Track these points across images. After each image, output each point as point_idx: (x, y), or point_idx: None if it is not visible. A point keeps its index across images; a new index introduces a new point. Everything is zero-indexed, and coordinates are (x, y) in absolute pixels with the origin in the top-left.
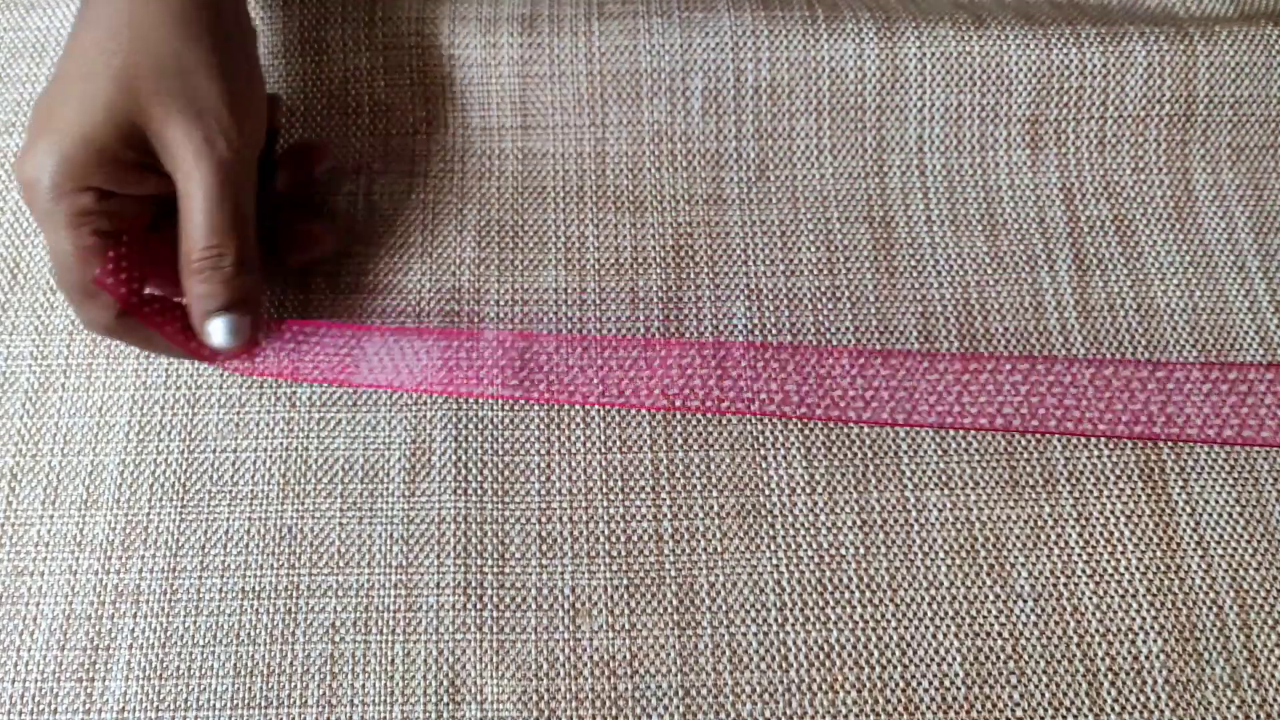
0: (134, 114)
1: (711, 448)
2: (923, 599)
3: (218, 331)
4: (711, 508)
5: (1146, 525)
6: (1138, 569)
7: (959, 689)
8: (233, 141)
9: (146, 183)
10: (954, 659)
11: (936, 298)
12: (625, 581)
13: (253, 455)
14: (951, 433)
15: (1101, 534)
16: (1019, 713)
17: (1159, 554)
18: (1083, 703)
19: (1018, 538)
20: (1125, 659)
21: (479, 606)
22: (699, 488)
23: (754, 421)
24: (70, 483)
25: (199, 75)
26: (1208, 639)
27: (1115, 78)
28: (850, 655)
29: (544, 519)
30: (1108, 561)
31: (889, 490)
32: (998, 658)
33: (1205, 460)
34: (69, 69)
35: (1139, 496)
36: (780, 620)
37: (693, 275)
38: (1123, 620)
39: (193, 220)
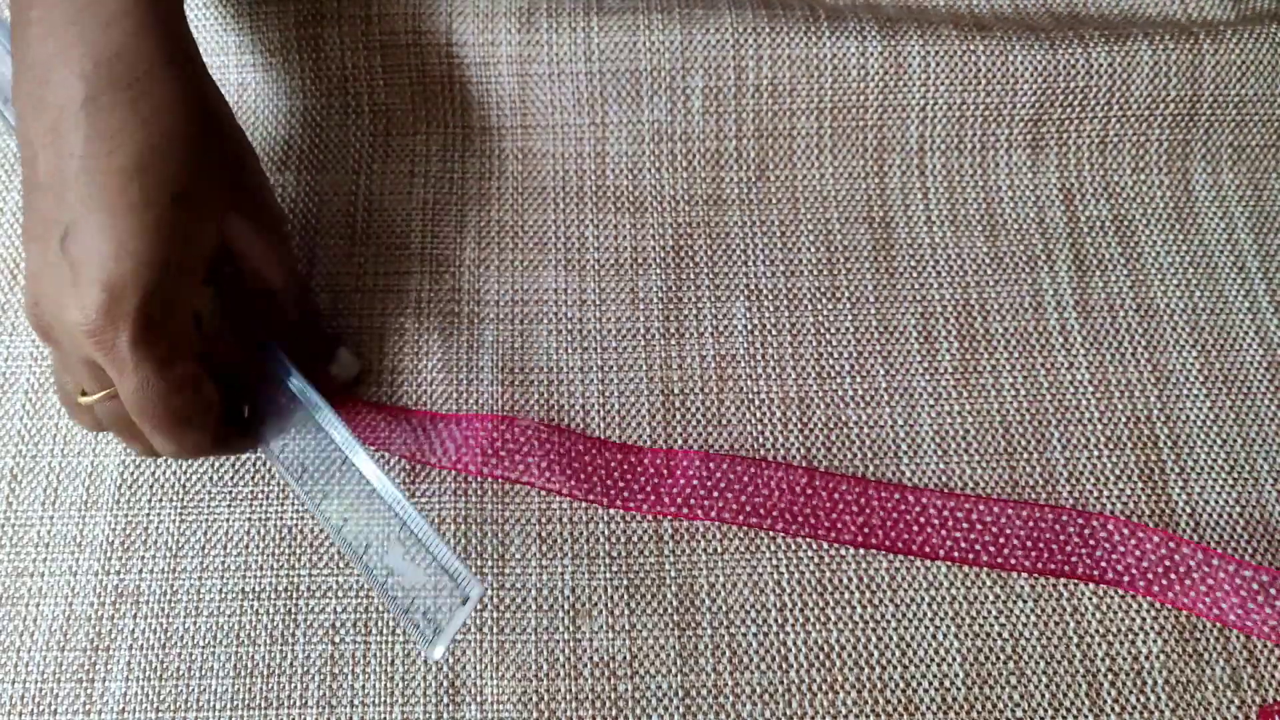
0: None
1: (711, 448)
2: (923, 599)
3: (342, 360)
4: None
5: (1146, 525)
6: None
7: (959, 689)
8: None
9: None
10: (954, 659)
11: (936, 298)
12: (625, 582)
13: (253, 456)
14: (951, 433)
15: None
16: (1019, 713)
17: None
18: (1083, 703)
19: None
20: (1125, 659)
21: (479, 607)
22: None
23: (754, 423)
24: (70, 483)
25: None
26: (1208, 639)
27: (1121, 77)
28: (850, 655)
29: (544, 519)
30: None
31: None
32: (998, 658)
33: (1205, 460)
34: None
35: (1139, 496)
36: (780, 620)
37: (693, 275)
38: (1123, 620)
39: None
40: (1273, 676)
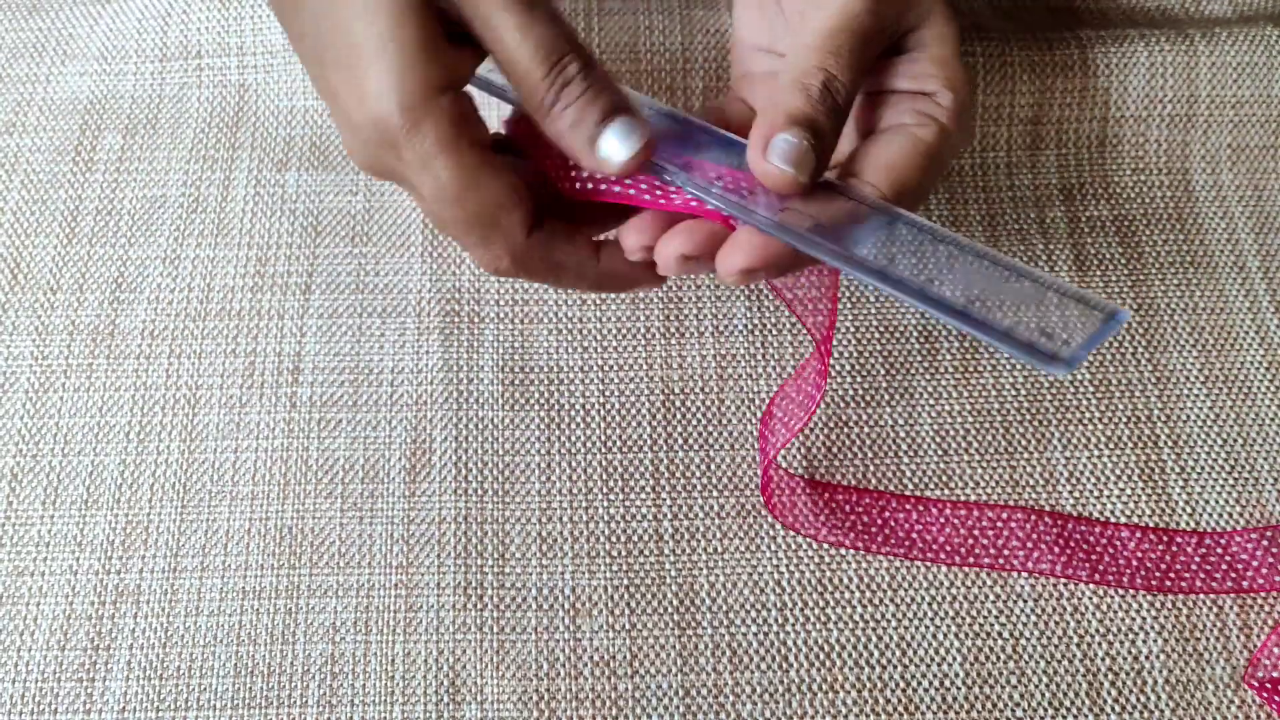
0: None
1: (711, 448)
2: (923, 599)
3: (612, 144)
4: (711, 508)
5: (1146, 525)
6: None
7: (959, 689)
8: None
9: (464, 54)
10: (954, 659)
11: None
12: (625, 581)
13: (253, 455)
14: (951, 433)
15: None
16: (1019, 713)
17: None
18: (1083, 703)
19: None
20: (1125, 659)
21: (479, 606)
22: (699, 488)
23: (754, 421)
24: (70, 483)
25: None
26: (1208, 639)
27: (1118, 78)
28: (850, 655)
29: (544, 519)
30: None
31: (889, 490)
32: (998, 658)
33: (1205, 460)
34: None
35: (1139, 496)
36: (780, 620)
37: (693, 275)
38: (1123, 620)
39: (515, 54)
40: (1270, 676)
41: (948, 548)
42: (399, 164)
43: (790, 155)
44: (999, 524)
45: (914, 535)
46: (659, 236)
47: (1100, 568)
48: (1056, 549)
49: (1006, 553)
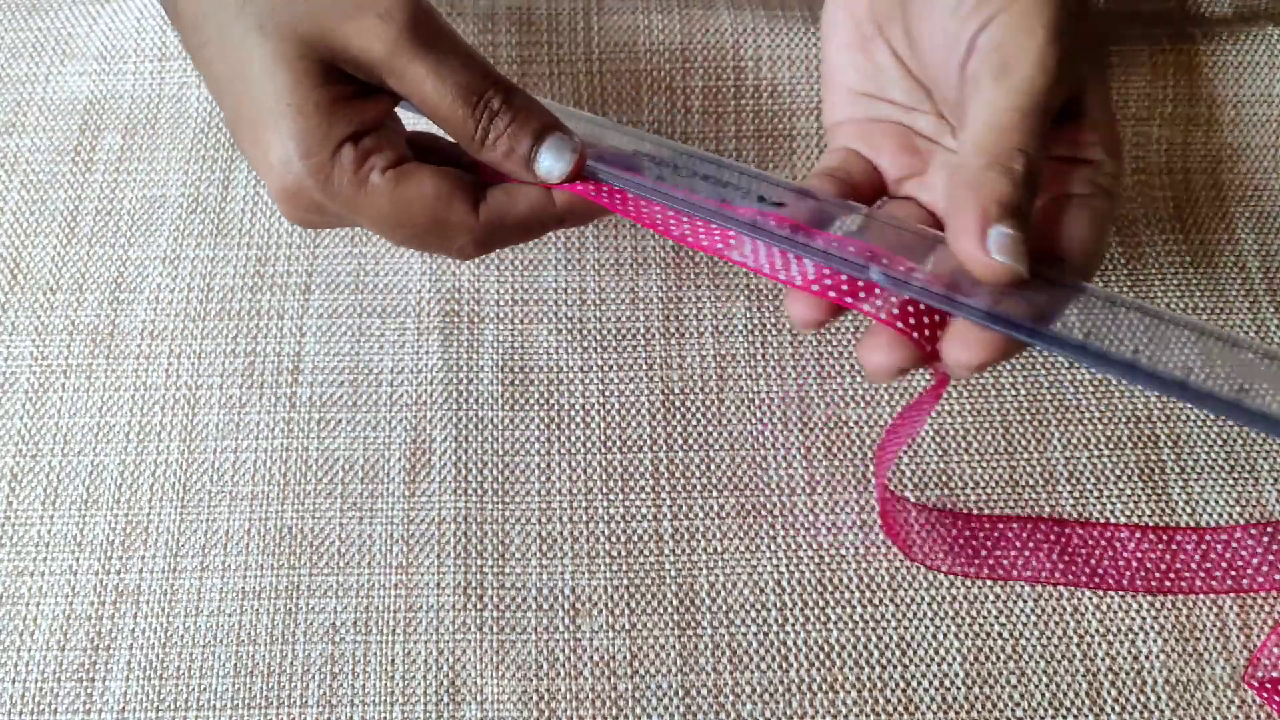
0: (310, 48)
1: (711, 448)
2: (923, 599)
3: (548, 163)
4: (711, 508)
5: (1146, 525)
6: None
7: (959, 689)
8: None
9: (374, 103)
10: (954, 659)
11: None
12: (625, 581)
13: (253, 455)
14: (951, 433)
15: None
16: (1019, 713)
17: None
18: (1083, 703)
19: None
20: (1125, 659)
21: (479, 606)
22: (699, 488)
23: (754, 421)
24: (70, 483)
25: None
26: (1208, 639)
27: (1118, 76)
28: (850, 655)
29: (544, 519)
30: None
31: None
32: (998, 658)
33: (1205, 460)
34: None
35: (1139, 496)
36: (780, 620)
37: (693, 275)
38: (1123, 620)
39: (436, 101)
40: (1252, 674)
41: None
42: (329, 217)
43: (1010, 248)
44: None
45: (1013, 558)
46: (827, 314)
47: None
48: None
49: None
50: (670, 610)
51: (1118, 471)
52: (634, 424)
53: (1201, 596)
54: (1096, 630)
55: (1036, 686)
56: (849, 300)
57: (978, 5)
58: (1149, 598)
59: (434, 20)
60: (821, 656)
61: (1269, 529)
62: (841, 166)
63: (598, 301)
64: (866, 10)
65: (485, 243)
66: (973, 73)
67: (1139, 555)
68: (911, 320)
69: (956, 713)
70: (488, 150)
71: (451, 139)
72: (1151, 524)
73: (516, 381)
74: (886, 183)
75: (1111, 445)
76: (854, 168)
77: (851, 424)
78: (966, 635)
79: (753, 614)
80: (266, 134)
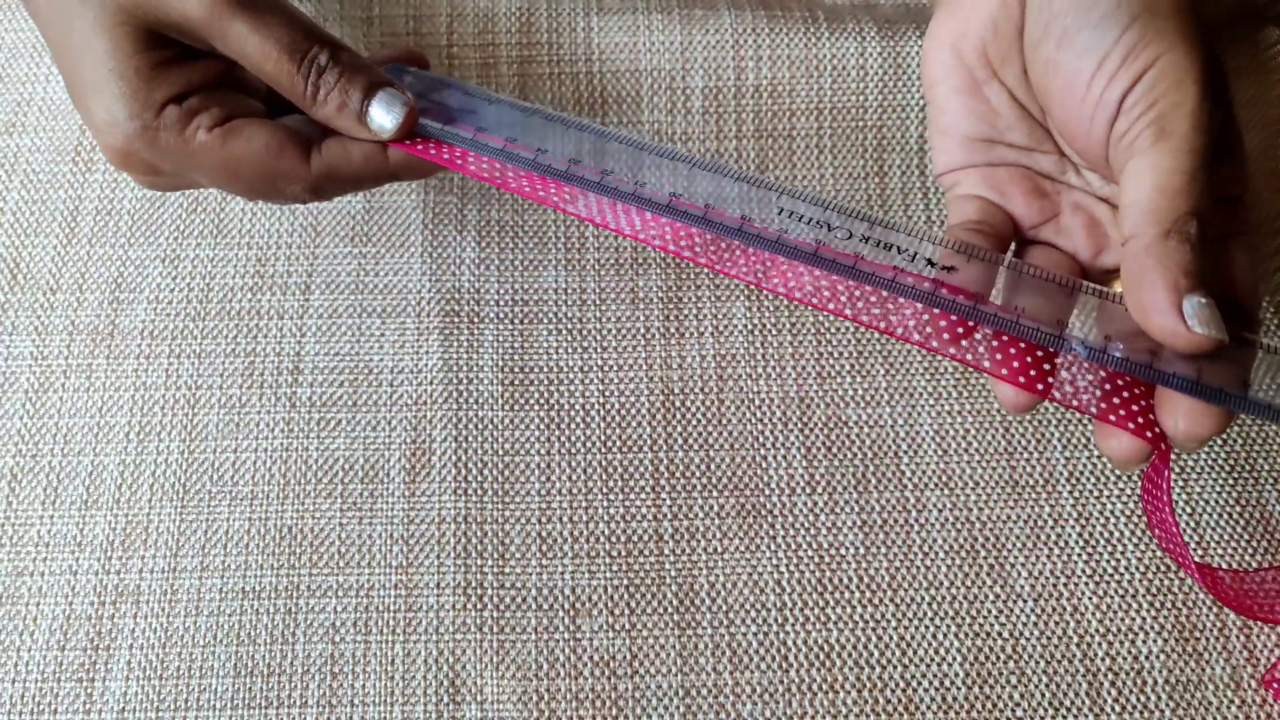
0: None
1: (711, 448)
2: (923, 599)
3: (380, 115)
4: (711, 508)
5: (1146, 525)
6: (1138, 569)
7: (959, 689)
8: None
9: (200, 65)
10: (954, 659)
11: None
12: (625, 581)
13: (253, 455)
14: (951, 433)
15: (1101, 534)
16: (1019, 713)
17: (1159, 554)
18: (1083, 703)
19: (1018, 538)
20: (1125, 659)
21: (479, 606)
22: (699, 488)
23: (754, 421)
24: (70, 483)
25: None
26: (1208, 639)
27: None
28: (850, 655)
29: (544, 519)
30: (1108, 561)
31: (889, 490)
32: (998, 658)
33: (1205, 460)
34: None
35: (1139, 496)
36: (780, 620)
37: (693, 275)
38: (1123, 620)
39: (261, 59)
40: (1273, 676)
41: None
42: (167, 176)
43: (1208, 317)
44: None
45: None
46: (1030, 401)
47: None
48: None
49: None
50: (670, 610)
51: (1118, 472)
52: (634, 424)
53: (1202, 596)
54: (1096, 630)
55: (1036, 686)
56: (1043, 376)
57: (1124, 63)
58: (1149, 597)
59: None
60: (821, 656)
61: None
62: (985, 220)
63: (598, 301)
64: (977, 53)
65: (319, 190)
66: (1127, 135)
67: None
68: (1117, 401)
69: (956, 713)
70: (319, 107)
71: (286, 97)
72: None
73: (516, 381)
74: (1021, 229)
75: None
76: (993, 219)
77: (851, 424)
78: (966, 635)
79: (753, 614)
80: (92, 98)
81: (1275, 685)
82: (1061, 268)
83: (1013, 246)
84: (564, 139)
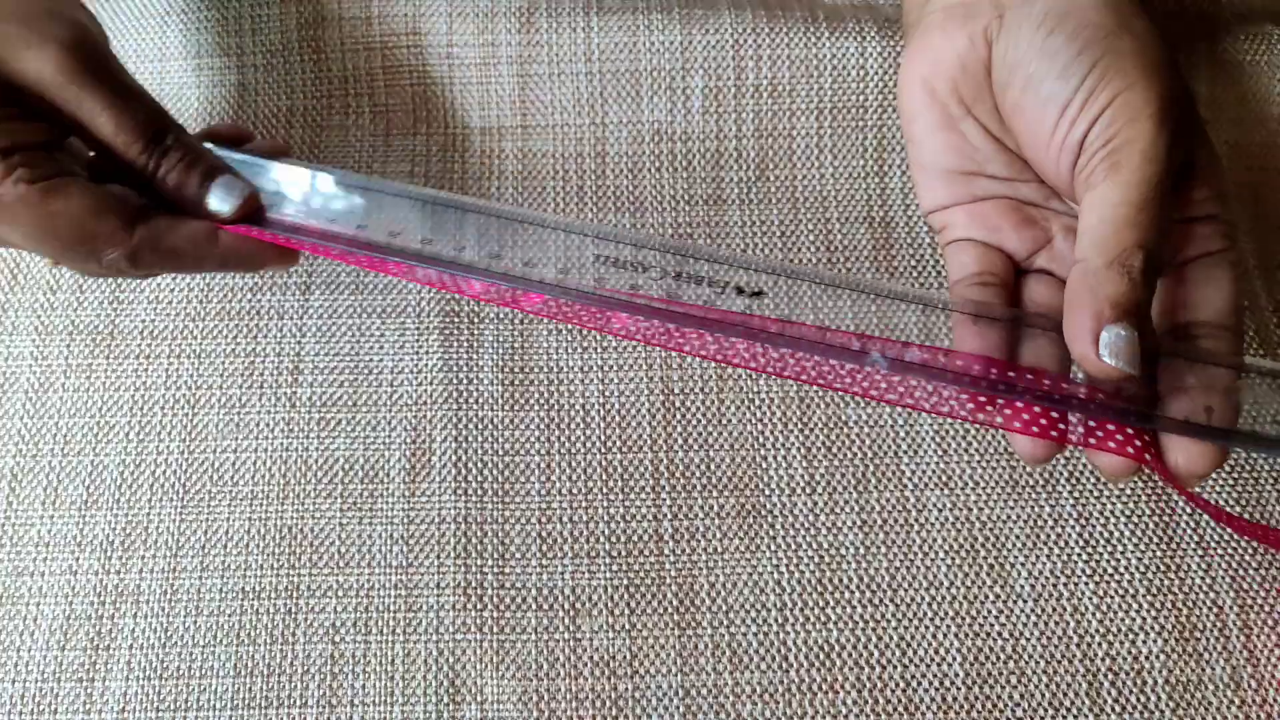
0: None
1: (711, 448)
2: (923, 599)
3: (219, 199)
4: (711, 508)
5: (1146, 525)
6: (1138, 569)
7: (959, 689)
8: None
9: (34, 125)
10: (954, 659)
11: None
12: (625, 581)
13: (253, 455)
14: (951, 433)
15: (1101, 534)
16: (1019, 713)
17: (1159, 554)
18: (1083, 703)
19: (1018, 538)
20: (1125, 659)
21: (479, 606)
22: (699, 488)
23: (754, 421)
24: (70, 483)
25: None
26: (1208, 639)
27: None
28: (850, 655)
29: (544, 519)
30: (1108, 561)
31: (889, 490)
32: (998, 658)
33: None
34: None
35: (1139, 496)
36: (780, 620)
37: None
38: (1123, 620)
39: (111, 134)
40: (1273, 676)
41: None
42: None
43: (1121, 349)
44: None
45: None
46: (1049, 450)
47: None
48: None
49: None
50: (670, 610)
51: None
52: (634, 424)
53: (1202, 596)
54: (1096, 630)
55: (1036, 686)
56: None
57: (1083, 108)
58: (1149, 597)
59: (111, 60)
60: (821, 656)
61: None
62: (985, 270)
63: None
64: (950, 90)
65: (138, 259)
66: (1084, 171)
67: None
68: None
69: (956, 713)
70: (162, 183)
71: (127, 170)
72: (1151, 524)
73: (516, 381)
74: (1017, 262)
75: None
76: (993, 265)
77: (851, 424)
78: (966, 635)
79: (753, 614)
80: None
81: None
82: (1060, 295)
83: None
84: (394, 210)
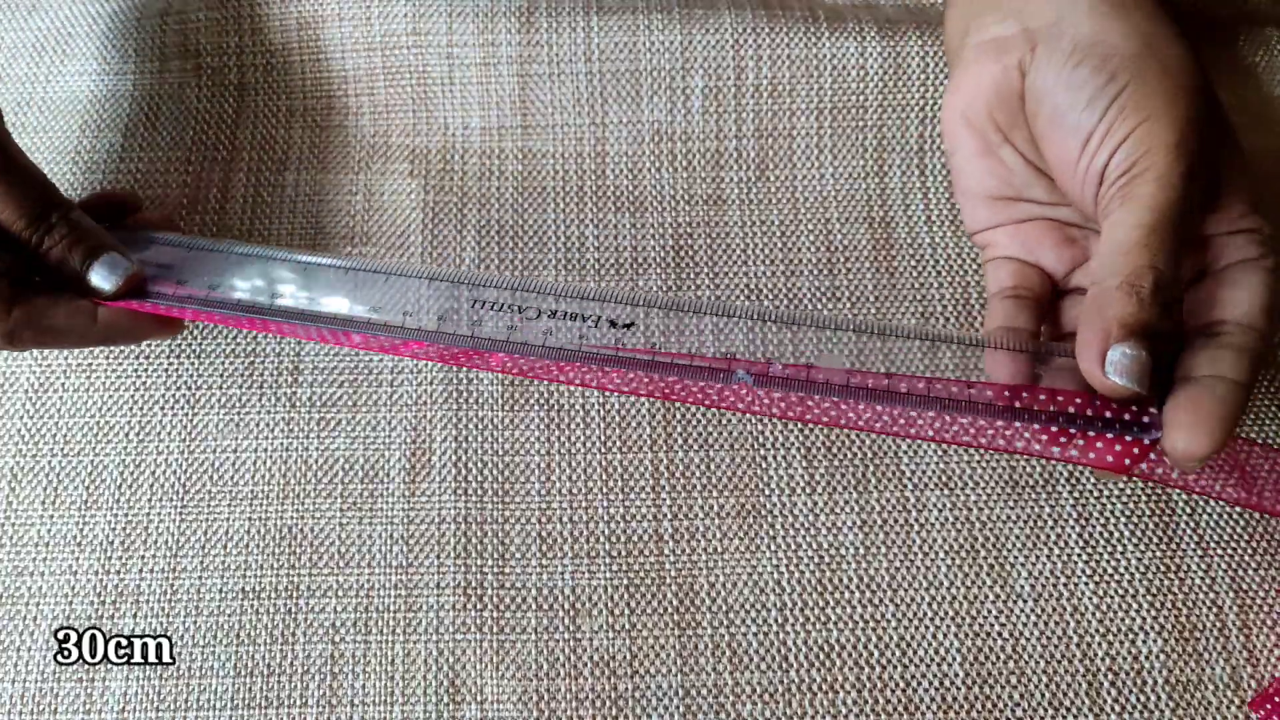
0: None
1: (711, 448)
2: (923, 599)
3: (101, 276)
4: (711, 508)
5: (1146, 525)
6: (1138, 569)
7: (959, 689)
8: None
9: None
10: (954, 659)
11: (936, 298)
12: (625, 581)
13: (253, 455)
14: None
15: (1101, 534)
16: (1019, 713)
17: (1159, 554)
18: (1083, 703)
19: (1018, 538)
20: (1125, 659)
21: (479, 606)
22: (699, 488)
23: (754, 421)
24: (70, 483)
25: None
26: (1208, 639)
27: None
28: (850, 655)
29: (544, 519)
30: (1108, 561)
31: (889, 490)
32: (998, 658)
33: None
34: None
35: (1139, 496)
36: (780, 620)
37: (693, 275)
38: (1123, 620)
39: None
40: (1273, 676)
41: None
42: None
43: (1129, 370)
44: None
45: None
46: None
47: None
48: None
49: None
50: (670, 610)
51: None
52: (634, 424)
53: (1202, 596)
54: (1096, 630)
55: (1036, 686)
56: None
57: (1104, 139)
58: (1149, 597)
59: (4, 137)
60: (821, 656)
61: None
62: (1020, 284)
63: None
64: (986, 118)
65: (14, 337)
66: (1104, 198)
67: None
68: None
69: (956, 713)
70: (46, 258)
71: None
72: (1151, 524)
73: (516, 381)
74: (1056, 280)
75: None
76: (1028, 280)
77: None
78: (966, 635)
79: (753, 614)
80: None
81: (1264, 710)
82: None
83: None
84: (277, 272)
